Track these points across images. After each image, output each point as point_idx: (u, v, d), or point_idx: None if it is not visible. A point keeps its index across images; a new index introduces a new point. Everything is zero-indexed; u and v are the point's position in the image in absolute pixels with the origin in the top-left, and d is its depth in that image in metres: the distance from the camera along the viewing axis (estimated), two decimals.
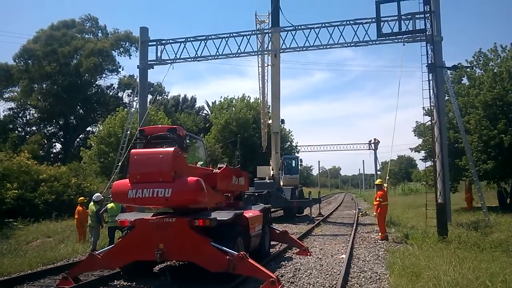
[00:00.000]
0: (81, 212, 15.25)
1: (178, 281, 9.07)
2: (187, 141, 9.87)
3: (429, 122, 17.90)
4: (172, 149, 8.56)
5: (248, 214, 10.44)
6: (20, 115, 55.25)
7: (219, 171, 10.47)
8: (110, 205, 13.25)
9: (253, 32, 20.87)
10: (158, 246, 8.43)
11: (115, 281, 9.31)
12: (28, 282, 9.40)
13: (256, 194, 20.83)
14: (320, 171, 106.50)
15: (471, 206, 24.38)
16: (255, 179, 25.49)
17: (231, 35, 20.13)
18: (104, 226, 13.89)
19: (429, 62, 14.64)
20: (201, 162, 10.82)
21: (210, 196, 9.28)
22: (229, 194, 11.33)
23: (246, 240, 9.74)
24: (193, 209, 9.15)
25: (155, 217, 9.14)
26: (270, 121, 26.60)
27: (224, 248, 8.22)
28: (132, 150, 9.30)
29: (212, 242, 8.37)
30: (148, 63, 21.34)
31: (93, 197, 14.88)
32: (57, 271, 10.32)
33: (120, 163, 20.89)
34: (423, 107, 20.10)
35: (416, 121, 29.27)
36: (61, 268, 10.53)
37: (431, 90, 14.77)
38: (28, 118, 55.51)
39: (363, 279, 8.86)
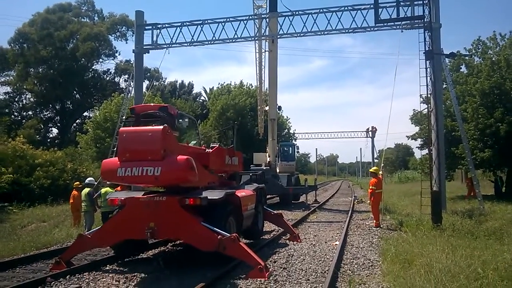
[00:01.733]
0: (76, 196, 15.22)
1: (171, 266, 9.06)
2: (180, 120, 9.77)
3: (426, 110, 17.81)
4: (161, 127, 8.44)
5: (241, 193, 10.42)
6: (16, 99, 55.03)
7: (211, 150, 10.42)
8: (104, 190, 13.18)
9: (250, 17, 20.59)
10: (149, 224, 8.42)
11: (108, 265, 9.29)
12: (20, 266, 9.37)
13: (251, 174, 20.78)
14: (318, 158, 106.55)
15: (471, 194, 24.03)
16: (251, 166, 25.46)
17: (228, 19, 19.87)
18: (97, 210, 13.87)
19: (427, 49, 14.48)
20: (194, 142, 10.75)
21: (202, 175, 9.26)
22: (223, 175, 11.28)
23: (238, 220, 9.75)
24: (184, 188, 9.10)
25: (145, 196, 9.10)
26: (267, 108, 26.46)
27: (215, 228, 8.20)
28: (121, 128, 9.20)
29: (203, 221, 8.36)
30: (144, 47, 21.11)
31: (86, 181, 14.91)
32: (50, 255, 10.28)
33: (115, 148, 20.78)
34: (420, 95, 19.99)
35: (413, 109, 29.21)
36: (54, 252, 10.49)
37: (428, 78, 14.67)
38: (24, 103, 55.34)
39: (355, 266, 8.87)
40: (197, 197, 8.63)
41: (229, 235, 8.09)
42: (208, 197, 8.67)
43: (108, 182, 13.75)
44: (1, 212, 19.09)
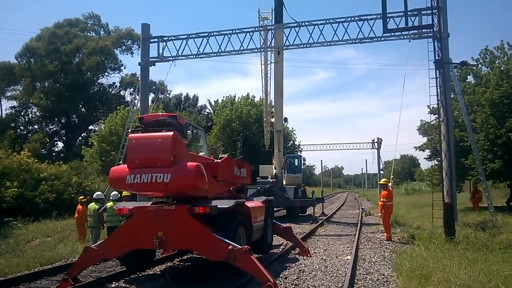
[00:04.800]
0: (81, 211, 15.01)
1: (178, 282, 8.78)
2: (188, 131, 9.61)
3: (435, 121, 17.57)
4: (171, 133, 8.28)
5: (250, 204, 10.24)
6: (22, 113, 55.31)
7: (220, 160, 10.24)
8: (109, 204, 12.98)
9: (256, 29, 20.47)
10: (157, 234, 8.21)
11: (113, 282, 9.03)
12: (24, 283, 9.10)
13: (259, 188, 20.53)
14: (323, 170, 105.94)
15: (477, 207, 23.55)
16: (257, 178, 25.20)
17: (234, 31, 19.76)
18: (104, 226, 13.62)
19: (436, 58, 14.28)
20: (202, 153, 10.57)
21: (211, 185, 9.06)
22: (231, 188, 11.08)
23: (247, 231, 9.51)
24: (193, 197, 8.88)
25: (154, 205, 8.89)
26: (273, 120, 26.30)
27: (225, 239, 7.96)
28: (130, 135, 9.07)
29: (213, 230, 8.14)
30: (150, 60, 21.02)
31: (94, 196, 14.64)
32: (54, 272, 10.05)
33: (121, 162, 20.64)
34: (429, 105, 19.78)
35: (421, 120, 28.96)
36: (58, 269, 10.27)
37: (438, 87, 14.44)
38: (30, 117, 55.53)
39: (369, 282, 8.55)
40: (206, 206, 8.42)
41: (240, 246, 7.86)
42: (218, 206, 8.48)
43: (112, 194, 13.64)
44: (5, 227, 18.90)
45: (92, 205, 13.87)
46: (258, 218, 10.42)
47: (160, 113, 10.58)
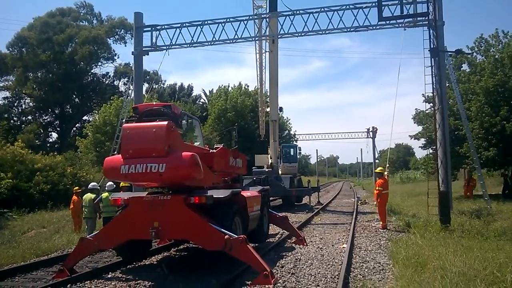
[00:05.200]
0: (76, 202, 14.95)
1: (175, 272, 8.78)
2: (183, 121, 9.53)
3: (430, 109, 17.60)
4: (165, 123, 8.21)
5: (246, 193, 10.26)
6: (15, 104, 54.79)
7: (215, 150, 10.20)
8: (105, 195, 12.92)
9: (250, 17, 20.30)
10: (153, 224, 8.20)
11: (110, 273, 8.99)
12: (20, 275, 9.05)
13: (254, 178, 20.53)
14: (318, 159, 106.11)
15: (471, 195, 23.67)
16: (253, 168, 25.19)
17: (228, 20, 19.57)
18: (100, 216, 13.57)
19: (432, 46, 14.23)
20: (198, 143, 10.52)
21: (207, 175, 9.06)
22: (227, 178, 11.06)
23: (243, 220, 9.54)
24: (189, 187, 8.85)
25: (149, 195, 8.85)
26: (268, 109, 26.21)
27: (221, 229, 7.96)
28: (124, 125, 9.00)
29: (209, 220, 8.14)
30: (143, 49, 20.81)
31: (89, 186, 14.55)
32: (50, 263, 10.01)
33: (116, 152, 20.53)
34: (423, 94, 19.83)
35: (416, 108, 28.97)
36: (54, 260, 10.23)
37: (434, 76, 14.42)
38: (23, 107, 55.05)
39: (366, 270, 8.59)
40: (202, 195, 8.42)
41: (236, 236, 7.86)
42: (214, 196, 8.46)
43: (108, 184, 13.57)
44: (1, 218, 18.81)
45: (88, 196, 13.79)
46: (254, 208, 10.43)
47: (154, 103, 10.50)
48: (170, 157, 8.00)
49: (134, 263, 9.82)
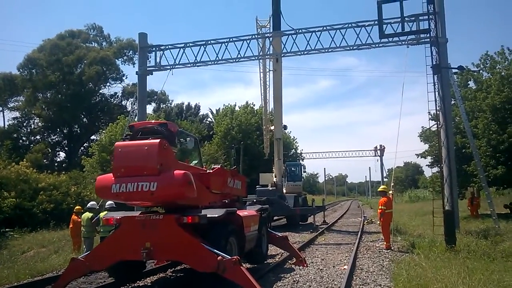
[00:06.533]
0: (75, 221, 14.78)
1: None
2: (181, 139, 9.39)
3: (435, 127, 17.31)
4: (157, 141, 8.05)
5: (243, 212, 9.96)
6: (25, 124, 55.36)
7: (212, 170, 9.98)
8: (102, 214, 12.74)
9: (254, 36, 20.39)
10: (145, 244, 7.98)
11: None
12: None
13: (255, 200, 20.24)
14: (326, 178, 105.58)
15: (477, 214, 23.07)
16: (257, 186, 24.95)
17: (231, 39, 19.69)
18: (97, 235, 13.40)
19: (434, 63, 14.10)
20: (195, 161, 10.34)
21: (203, 195, 8.86)
22: (226, 200, 10.82)
23: (240, 241, 9.23)
24: (183, 206, 8.63)
25: (142, 215, 8.65)
26: (272, 127, 26.12)
27: (214, 250, 7.71)
28: (116, 143, 8.84)
29: (202, 241, 7.89)
30: (147, 69, 20.97)
31: (88, 205, 14.45)
32: (43, 284, 9.82)
33: None
34: (429, 111, 19.51)
35: (422, 126, 28.71)
36: (47, 280, 10.03)
37: (437, 93, 14.24)
38: (32, 127, 55.62)
39: None
40: (195, 215, 8.18)
41: (230, 257, 7.61)
42: (208, 215, 8.21)
43: (107, 203, 13.41)
44: (2, 237, 18.71)
45: (86, 215, 13.66)
46: (251, 228, 10.15)
47: (150, 121, 10.39)
48: (162, 175, 7.81)
49: (128, 285, 9.58)
